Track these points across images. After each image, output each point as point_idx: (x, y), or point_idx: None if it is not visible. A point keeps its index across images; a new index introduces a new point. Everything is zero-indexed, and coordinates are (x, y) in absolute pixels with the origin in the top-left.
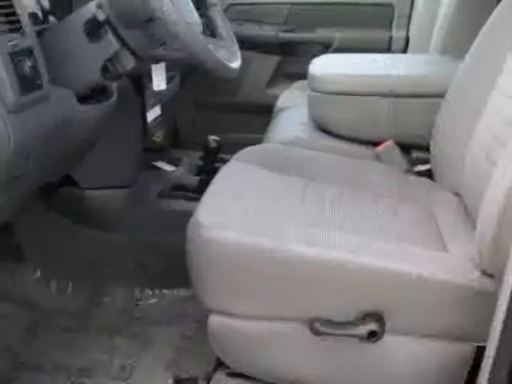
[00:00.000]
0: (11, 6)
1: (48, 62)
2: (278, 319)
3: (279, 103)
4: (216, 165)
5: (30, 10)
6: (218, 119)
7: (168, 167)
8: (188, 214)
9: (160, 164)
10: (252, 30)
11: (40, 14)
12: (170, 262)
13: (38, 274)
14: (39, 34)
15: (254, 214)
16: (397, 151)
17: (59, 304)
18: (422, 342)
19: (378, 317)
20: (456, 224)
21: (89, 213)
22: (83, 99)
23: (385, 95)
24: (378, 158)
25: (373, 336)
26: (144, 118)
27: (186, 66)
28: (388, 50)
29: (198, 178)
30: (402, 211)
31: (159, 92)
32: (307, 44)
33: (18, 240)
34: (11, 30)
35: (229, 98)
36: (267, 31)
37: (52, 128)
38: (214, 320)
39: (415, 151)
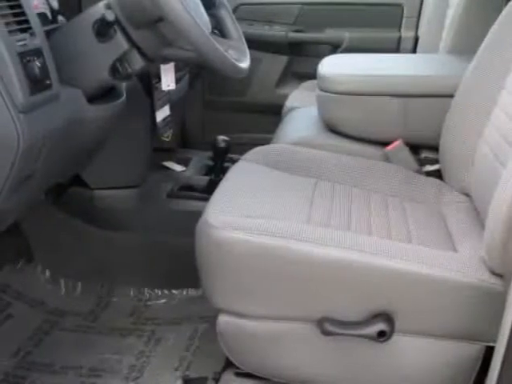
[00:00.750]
0: (20, 6)
1: (57, 62)
2: (287, 319)
3: (288, 103)
4: (225, 165)
5: (38, 10)
6: (227, 119)
7: (177, 167)
8: (197, 214)
9: (169, 164)
10: (261, 30)
11: (49, 14)
12: (179, 262)
13: (48, 274)
14: (48, 34)
15: (263, 214)
16: (406, 151)
17: (68, 304)
18: (431, 341)
19: (387, 317)
20: (465, 224)
21: (98, 213)
22: (92, 99)
23: (394, 95)
24: (387, 158)
25: (382, 336)
26: (153, 117)
27: (195, 65)
28: (397, 50)
29: (207, 178)
30: (411, 211)
31: (168, 92)
32: (316, 44)
33: (28, 240)
34: (20, 30)
35: (238, 98)
36: (277, 31)
37: (61, 128)
38: (223, 320)
39: (424, 151)
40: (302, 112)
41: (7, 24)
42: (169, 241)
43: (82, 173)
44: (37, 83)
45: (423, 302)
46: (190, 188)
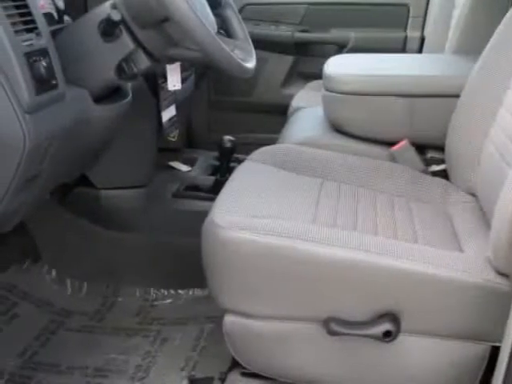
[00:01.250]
0: (26, 6)
1: (63, 62)
2: (293, 319)
3: (294, 103)
4: (231, 165)
5: (44, 10)
6: (233, 119)
7: (183, 167)
8: (203, 214)
9: (175, 164)
10: (267, 30)
11: (55, 14)
12: (185, 262)
13: (54, 274)
14: (54, 34)
15: (269, 214)
16: (412, 151)
17: (75, 304)
18: (437, 341)
19: (392, 317)
20: (471, 224)
21: (104, 213)
22: (98, 99)
23: (399, 95)
24: (393, 158)
25: (388, 336)
26: (159, 118)
27: (200, 65)
28: (403, 50)
29: (212, 178)
30: (417, 211)
31: (174, 92)
32: (322, 44)
33: (34, 240)
34: (26, 30)
35: (244, 98)
36: (283, 31)
37: (67, 128)
38: (229, 320)
39: (430, 151)
40: (307, 112)
41: (13, 24)
42: (175, 241)
43: (88, 173)
44: (43, 83)
45: (429, 301)
46: (195, 188)
